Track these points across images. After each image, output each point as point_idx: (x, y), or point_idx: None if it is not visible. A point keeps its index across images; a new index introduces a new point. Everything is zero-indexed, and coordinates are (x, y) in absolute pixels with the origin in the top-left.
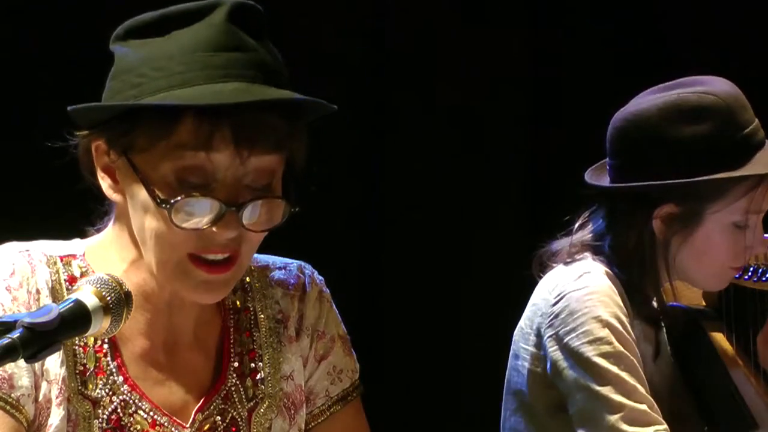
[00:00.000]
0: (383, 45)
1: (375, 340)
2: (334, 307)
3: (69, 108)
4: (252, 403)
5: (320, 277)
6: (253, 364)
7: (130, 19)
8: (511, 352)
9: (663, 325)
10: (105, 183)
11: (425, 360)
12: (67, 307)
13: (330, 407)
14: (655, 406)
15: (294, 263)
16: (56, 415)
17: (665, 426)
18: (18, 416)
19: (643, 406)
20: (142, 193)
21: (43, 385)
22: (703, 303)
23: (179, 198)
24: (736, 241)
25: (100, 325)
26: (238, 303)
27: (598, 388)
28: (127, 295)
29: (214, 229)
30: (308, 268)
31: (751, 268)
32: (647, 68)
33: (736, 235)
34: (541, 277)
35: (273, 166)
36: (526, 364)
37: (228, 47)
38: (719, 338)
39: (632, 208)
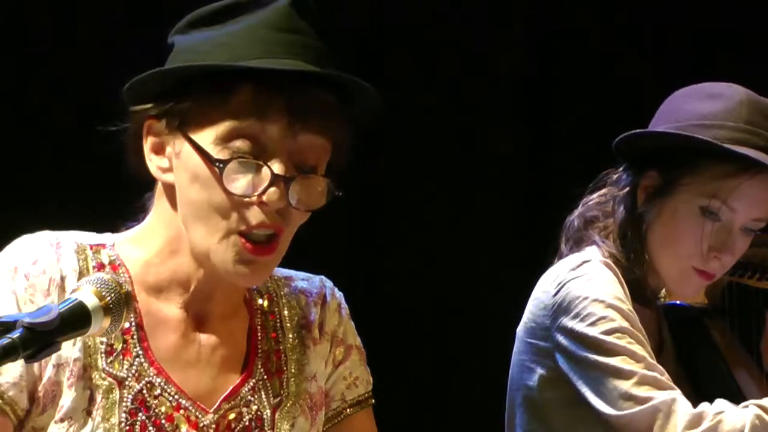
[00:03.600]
0: (380, 44)
1: (370, 340)
2: (351, 321)
3: (127, 85)
4: (277, 400)
5: (340, 293)
6: (278, 363)
7: (192, 12)
8: (515, 348)
9: (665, 322)
10: (153, 164)
11: (423, 360)
12: (67, 307)
13: (344, 410)
14: (666, 373)
15: (316, 276)
16: (68, 397)
17: (679, 391)
18: (1, 405)
19: (655, 373)
20: (193, 161)
21: (49, 370)
22: (706, 301)
23: (232, 158)
24: (699, 230)
25: (100, 325)
26: (265, 306)
27: (607, 360)
28: (127, 295)
29: (263, 198)
30: (329, 282)
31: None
32: (647, 69)
33: (700, 223)
34: (569, 251)
35: (320, 149)
36: (533, 359)
37: (289, 29)
38: (721, 336)
39: (625, 170)
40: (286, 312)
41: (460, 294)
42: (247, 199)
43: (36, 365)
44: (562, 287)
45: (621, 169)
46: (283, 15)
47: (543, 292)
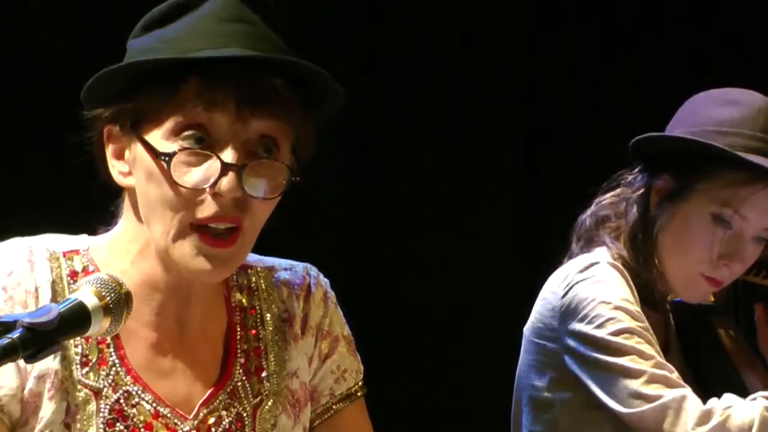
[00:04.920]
0: (380, 47)
1: (372, 340)
2: (339, 308)
3: (82, 90)
4: (257, 400)
5: (325, 279)
6: (258, 362)
7: (143, 17)
8: (522, 348)
9: (671, 320)
10: (115, 170)
11: (424, 359)
12: (67, 307)
13: (334, 405)
14: (675, 371)
15: (300, 265)
16: (47, 409)
17: (689, 389)
18: (0, 416)
19: (664, 371)
20: (146, 161)
21: (30, 381)
22: (712, 298)
23: (178, 149)
24: (710, 237)
25: (100, 325)
26: (244, 302)
27: (616, 360)
28: (127, 295)
29: (216, 189)
30: (313, 270)
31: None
32: (648, 69)
33: (712, 230)
34: (580, 251)
35: (276, 135)
36: (540, 359)
37: (234, 19)
38: (727, 333)
39: (640, 172)
40: (266, 305)
41: (462, 293)
42: (201, 193)
43: (21, 377)
44: (570, 289)
45: (636, 170)
46: (227, 6)
47: (551, 292)
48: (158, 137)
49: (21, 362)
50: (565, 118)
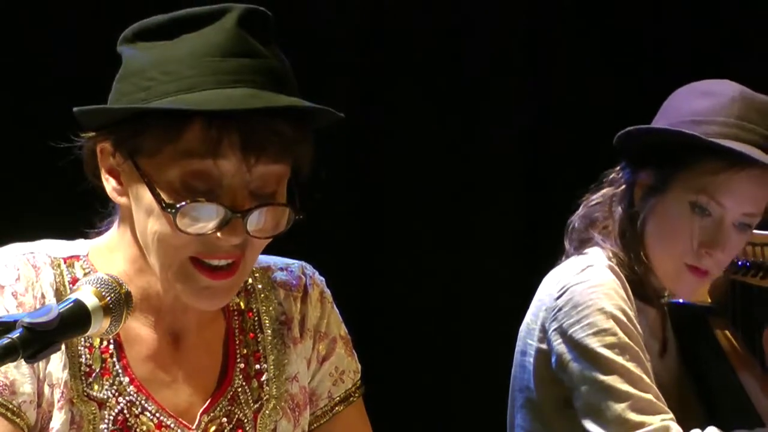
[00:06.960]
0: (381, 46)
1: (373, 340)
2: (335, 307)
3: (75, 109)
4: (257, 405)
5: (321, 278)
6: (258, 366)
7: (138, 22)
8: (517, 348)
9: (669, 321)
10: (109, 185)
11: (425, 358)
12: (67, 307)
13: (332, 408)
14: (661, 396)
15: (296, 264)
16: (57, 419)
17: (671, 415)
18: (19, 422)
19: (650, 396)
20: (146, 196)
21: (46, 390)
22: (709, 300)
23: (184, 203)
24: (689, 226)
25: (100, 325)
26: (242, 305)
27: (603, 378)
28: (127, 295)
29: (218, 234)
30: (309, 269)
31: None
32: (648, 69)
33: (690, 218)
34: (574, 251)
35: (279, 173)
36: (532, 360)
37: (238, 53)
38: (725, 335)
39: (623, 168)
40: (263, 308)
41: (462, 295)
42: (203, 235)
43: (37, 385)
44: (565, 291)
45: (618, 168)
46: (231, 37)
47: (546, 294)
48: (160, 180)
49: (37, 370)
50: (567, 118)
